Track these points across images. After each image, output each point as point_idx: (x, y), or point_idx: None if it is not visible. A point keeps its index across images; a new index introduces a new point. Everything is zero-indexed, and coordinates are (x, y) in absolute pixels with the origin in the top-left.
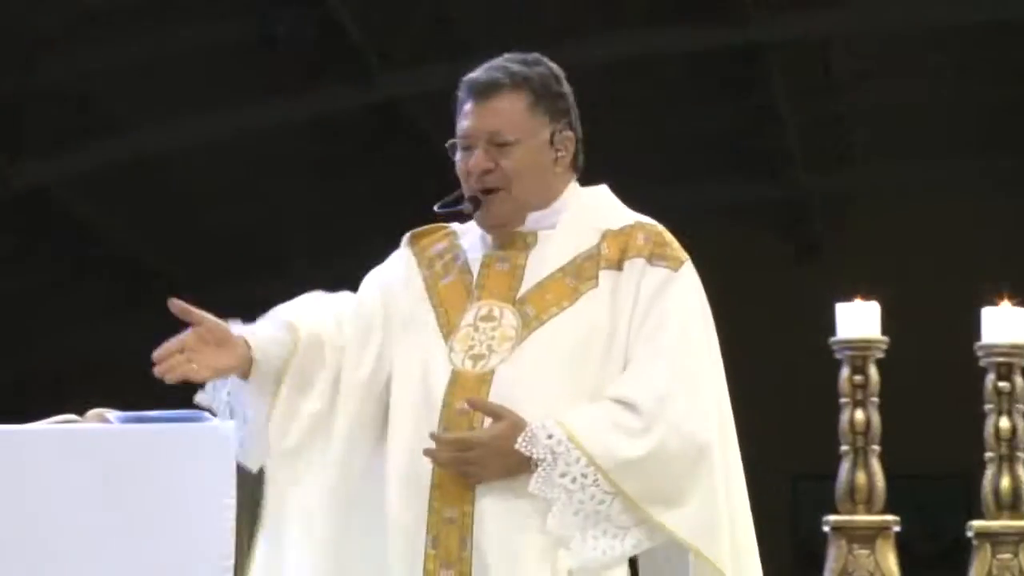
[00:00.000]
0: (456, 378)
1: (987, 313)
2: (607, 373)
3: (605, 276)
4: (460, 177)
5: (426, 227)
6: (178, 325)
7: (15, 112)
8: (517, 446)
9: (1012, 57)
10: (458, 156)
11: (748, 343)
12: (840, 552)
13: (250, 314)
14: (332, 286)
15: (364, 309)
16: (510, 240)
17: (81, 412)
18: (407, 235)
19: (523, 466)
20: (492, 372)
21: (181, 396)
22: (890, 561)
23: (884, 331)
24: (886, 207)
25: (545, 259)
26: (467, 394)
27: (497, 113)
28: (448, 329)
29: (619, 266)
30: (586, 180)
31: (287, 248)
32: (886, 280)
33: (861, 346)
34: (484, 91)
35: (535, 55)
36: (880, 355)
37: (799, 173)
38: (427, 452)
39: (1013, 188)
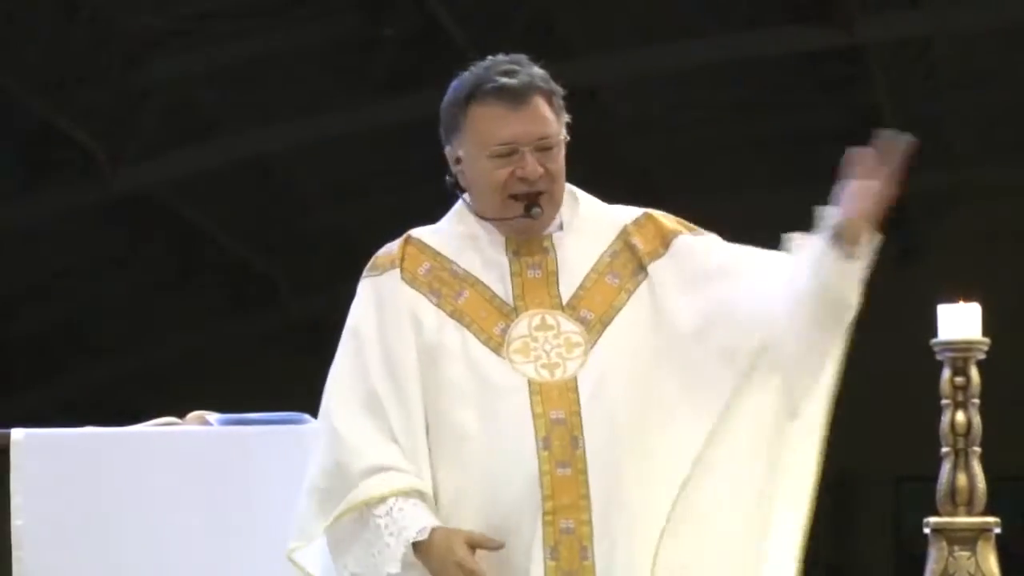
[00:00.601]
0: (538, 389)
1: None
2: (664, 365)
3: (655, 268)
4: (495, 184)
5: (395, 251)
6: (280, 326)
7: (120, 115)
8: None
9: None
10: (491, 164)
11: (850, 344)
12: (941, 554)
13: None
14: None
15: (409, 405)
16: (527, 245)
17: (182, 414)
18: (396, 270)
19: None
20: (575, 379)
21: (283, 397)
22: (991, 563)
23: (986, 332)
24: (989, 207)
25: (570, 261)
26: (554, 404)
27: (539, 117)
28: (495, 343)
29: (662, 253)
30: (697, 185)
31: None
32: (988, 281)
33: (962, 348)
34: (522, 95)
35: (522, 56)
36: (981, 356)
37: (902, 174)
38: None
39: None
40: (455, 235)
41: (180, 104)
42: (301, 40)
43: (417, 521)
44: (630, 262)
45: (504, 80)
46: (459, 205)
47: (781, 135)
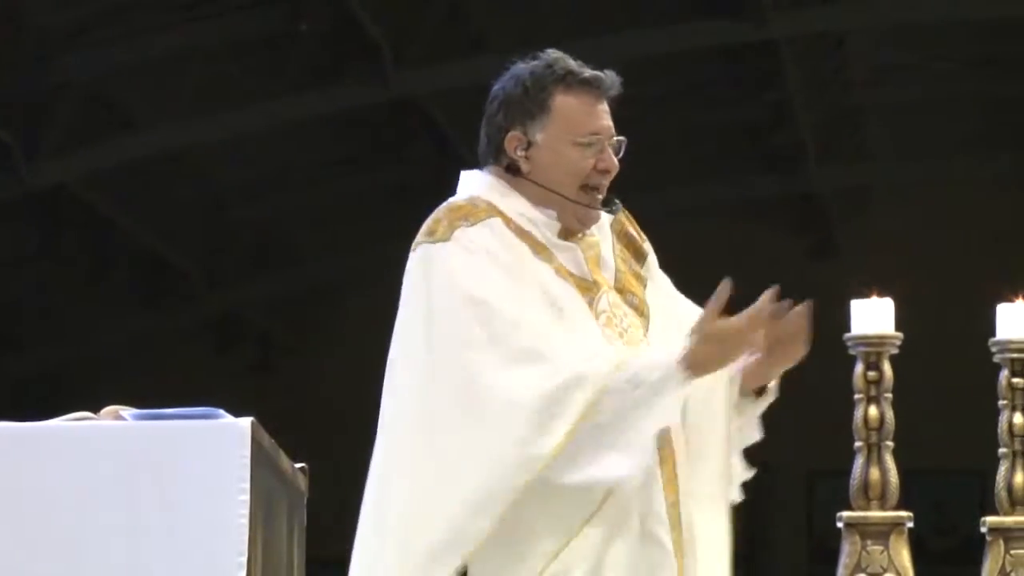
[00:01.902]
0: None
1: (1002, 309)
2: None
3: (652, 258)
4: (579, 172)
5: (482, 204)
6: (195, 322)
7: (34, 109)
8: None
9: None
10: (577, 152)
11: None
12: (854, 548)
13: (267, 311)
14: (349, 281)
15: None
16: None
17: (96, 409)
18: (498, 218)
19: None
20: None
21: (198, 393)
22: (904, 557)
23: (899, 327)
24: (902, 203)
25: (602, 249)
26: None
27: (609, 114)
28: (593, 314)
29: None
30: (614, 181)
31: (305, 244)
32: (902, 276)
33: (875, 342)
34: (605, 90)
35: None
36: (894, 351)
37: (814, 169)
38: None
39: None
40: (511, 210)
41: (95, 98)
42: (217, 34)
43: (659, 351)
44: (639, 251)
45: (591, 71)
46: (495, 183)
47: (695, 130)
